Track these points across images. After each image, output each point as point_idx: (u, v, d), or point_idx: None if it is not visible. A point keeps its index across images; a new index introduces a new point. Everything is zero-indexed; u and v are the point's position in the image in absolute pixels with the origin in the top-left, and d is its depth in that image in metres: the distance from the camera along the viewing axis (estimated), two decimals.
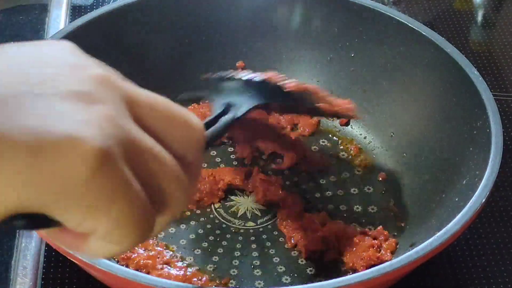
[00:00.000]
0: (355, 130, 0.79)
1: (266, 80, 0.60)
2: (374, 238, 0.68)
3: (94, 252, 0.39)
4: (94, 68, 0.38)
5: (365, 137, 0.79)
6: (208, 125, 0.54)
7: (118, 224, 0.36)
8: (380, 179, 0.75)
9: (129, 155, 0.36)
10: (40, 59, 0.38)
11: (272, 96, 0.63)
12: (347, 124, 0.80)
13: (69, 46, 0.40)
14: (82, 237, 0.38)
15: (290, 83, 0.65)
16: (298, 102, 0.66)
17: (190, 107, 0.78)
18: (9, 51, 0.38)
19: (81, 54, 0.39)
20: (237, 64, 0.82)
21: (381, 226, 0.69)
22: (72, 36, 0.73)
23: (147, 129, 0.38)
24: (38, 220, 0.36)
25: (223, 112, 0.58)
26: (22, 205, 0.34)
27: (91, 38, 0.75)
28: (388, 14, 0.77)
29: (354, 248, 0.67)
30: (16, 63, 0.37)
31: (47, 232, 0.40)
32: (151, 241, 0.67)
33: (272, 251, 0.68)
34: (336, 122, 0.80)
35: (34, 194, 0.34)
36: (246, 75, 0.62)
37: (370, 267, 0.61)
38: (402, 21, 0.76)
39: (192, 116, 0.41)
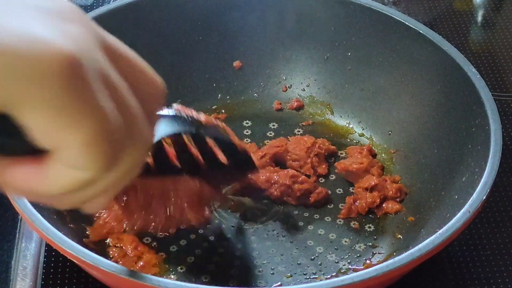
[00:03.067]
0: (353, 128, 0.79)
1: (177, 113, 0.59)
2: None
3: (53, 184, 0.37)
4: (71, 4, 0.37)
5: (363, 135, 0.79)
6: None
7: (87, 142, 0.35)
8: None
9: (102, 77, 0.35)
10: None
11: (184, 128, 0.60)
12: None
13: None
14: (40, 164, 0.36)
15: (201, 115, 0.62)
16: (213, 136, 0.63)
17: None
18: None
19: None
20: (234, 64, 0.82)
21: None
22: None
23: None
24: None
25: None
26: None
27: None
28: (384, 12, 0.77)
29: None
30: None
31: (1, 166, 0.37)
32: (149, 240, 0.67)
33: (273, 250, 0.68)
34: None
35: (4, 82, 0.33)
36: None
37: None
38: (399, 19, 0.76)
39: (156, 75, 0.42)
